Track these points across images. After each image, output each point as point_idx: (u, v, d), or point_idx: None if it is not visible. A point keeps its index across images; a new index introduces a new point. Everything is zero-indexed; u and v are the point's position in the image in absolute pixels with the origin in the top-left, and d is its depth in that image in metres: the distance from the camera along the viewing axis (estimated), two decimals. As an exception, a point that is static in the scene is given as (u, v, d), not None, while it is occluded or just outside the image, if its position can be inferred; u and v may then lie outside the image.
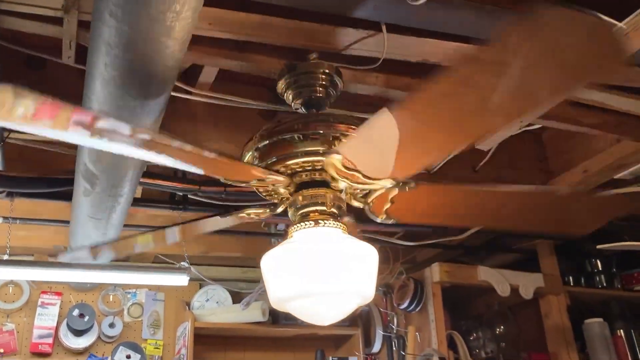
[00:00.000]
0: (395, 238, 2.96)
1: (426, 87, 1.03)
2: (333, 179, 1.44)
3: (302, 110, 1.69)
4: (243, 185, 1.49)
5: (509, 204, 1.66)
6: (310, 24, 1.59)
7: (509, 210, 1.68)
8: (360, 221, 1.82)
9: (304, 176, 1.53)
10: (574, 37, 0.92)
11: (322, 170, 1.46)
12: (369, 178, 1.36)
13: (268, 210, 1.63)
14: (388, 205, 1.53)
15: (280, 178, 1.47)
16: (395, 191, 1.47)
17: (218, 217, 1.72)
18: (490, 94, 1.02)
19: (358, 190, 1.56)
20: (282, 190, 1.56)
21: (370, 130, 1.21)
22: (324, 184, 1.48)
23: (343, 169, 1.34)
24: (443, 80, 1.02)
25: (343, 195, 1.54)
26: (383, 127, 1.17)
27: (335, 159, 1.32)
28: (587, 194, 2.10)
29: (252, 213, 1.64)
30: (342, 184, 1.46)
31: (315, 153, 1.48)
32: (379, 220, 1.59)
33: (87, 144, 1.22)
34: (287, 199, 1.58)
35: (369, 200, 1.54)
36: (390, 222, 1.56)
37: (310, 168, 1.51)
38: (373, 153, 1.28)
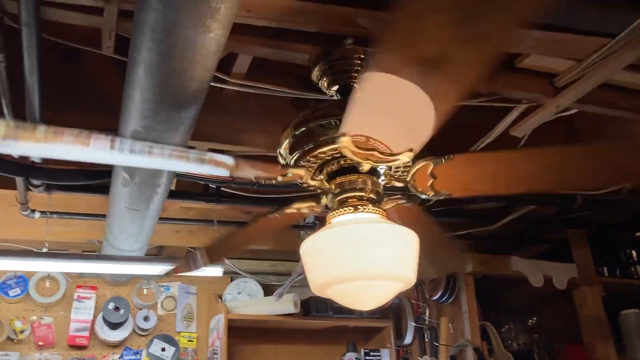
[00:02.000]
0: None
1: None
2: (359, 162, 1.42)
3: (337, 97, 1.69)
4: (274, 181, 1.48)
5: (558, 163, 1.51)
6: (346, 9, 1.58)
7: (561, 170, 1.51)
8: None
9: (337, 163, 1.53)
10: None
11: None
12: (389, 154, 1.31)
13: (315, 203, 1.63)
14: (431, 181, 1.49)
15: (302, 172, 1.48)
16: (431, 165, 1.43)
17: (275, 215, 1.71)
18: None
19: (392, 170, 1.53)
20: (317, 179, 1.56)
21: (365, 98, 1.11)
22: (353, 169, 1.48)
23: (358, 150, 1.30)
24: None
25: (381, 179, 1.54)
26: (375, 88, 1.07)
27: (344, 141, 1.27)
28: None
29: (298, 207, 1.64)
30: (364, 166, 1.45)
31: (354, 137, 1.48)
32: (427, 196, 1.53)
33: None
34: (324, 185, 1.58)
35: (409, 178, 1.51)
36: (442, 197, 1.50)
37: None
38: (381, 122, 1.21)
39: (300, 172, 1.48)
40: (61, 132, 1.00)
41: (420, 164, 1.43)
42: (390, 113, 1.16)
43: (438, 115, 1.12)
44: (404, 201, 1.65)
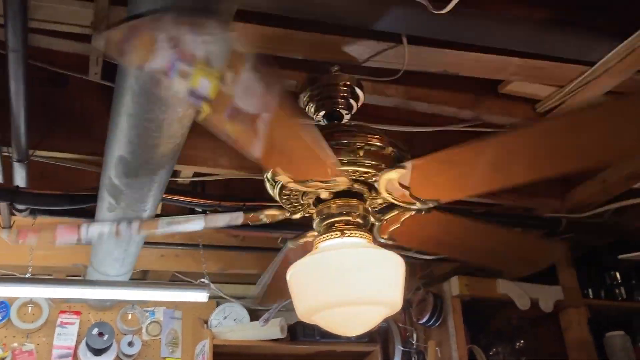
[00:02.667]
0: (412, 251, 2.95)
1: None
2: (369, 190, 1.47)
3: (324, 122, 1.71)
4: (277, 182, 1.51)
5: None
6: (332, 37, 1.61)
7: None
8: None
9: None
10: None
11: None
12: (415, 197, 1.43)
13: (287, 214, 1.64)
14: (396, 226, 1.56)
15: (276, 212, 1.59)
16: (409, 214, 1.51)
17: (241, 213, 1.73)
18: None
19: (377, 206, 1.58)
20: (307, 198, 1.57)
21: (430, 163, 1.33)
22: (352, 194, 1.50)
23: (397, 184, 1.40)
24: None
25: (368, 207, 1.55)
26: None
27: (397, 172, 1.39)
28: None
29: (270, 214, 1.65)
30: (378, 199, 1.50)
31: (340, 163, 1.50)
32: (380, 239, 1.64)
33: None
34: (308, 206, 1.60)
35: (385, 217, 1.57)
36: (430, 205, 1.54)
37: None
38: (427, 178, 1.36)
39: (274, 212, 1.59)
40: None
41: (384, 178, 1.45)
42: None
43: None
44: (414, 212, 1.61)
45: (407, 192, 1.43)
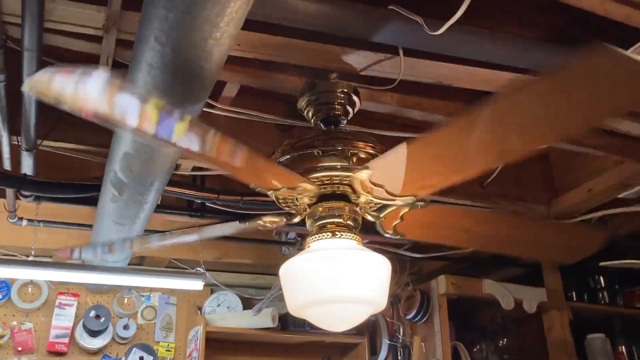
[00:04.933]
0: (402, 250, 3.04)
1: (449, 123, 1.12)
2: (353, 192, 1.54)
3: (321, 126, 1.79)
4: (269, 192, 1.56)
5: (506, 231, 1.79)
6: (331, 46, 1.69)
7: (504, 237, 1.81)
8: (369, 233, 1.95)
9: (322, 189, 1.62)
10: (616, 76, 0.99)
11: (341, 184, 1.56)
12: (391, 194, 1.47)
13: (284, 219, 1.72)
14: (397, 222, 1.63)
15: (310, 186, 1.54)
16: (407, 209, 1.58)
17: (237, 222, 1.81)
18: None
19: (373, 205, 1.66)
20: (301, 201, 1.65)
21: (394, 155, 1.34)
22: (344, 197, 1.58)
23: (369, 184, 1.45)
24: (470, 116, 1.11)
25: (359, 209, 1.64)
26: (403, 154, 1.29)
27: (365, 173, 1.44)
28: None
29: (269, 221, 1.73)
30: (362, 198, 1.56)
31: (334, 168, 1.58)
32: (387, 235, 1.70)
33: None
34: (305, 209, 1.67)
35: (382, 215, 1.64)
36: (397, 237, 1.67)
37: (328, 182, 1.60)
38: (396, 173, 1.39)
39: (309, 186, 1.54)
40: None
41: (399, 205, 1.54)
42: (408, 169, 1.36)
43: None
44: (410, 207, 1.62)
45: (396, 222, 1.53)
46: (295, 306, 1.53)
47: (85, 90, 0.98)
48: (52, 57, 1.66)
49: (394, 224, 1.67)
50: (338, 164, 1.58)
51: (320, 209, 1.61)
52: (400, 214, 1.62)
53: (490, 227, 1.81)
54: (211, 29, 1.09)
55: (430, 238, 1.97)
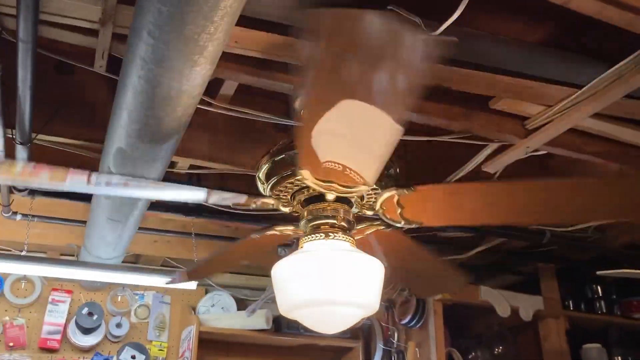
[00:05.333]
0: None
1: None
2: (361, 200, 1.53)
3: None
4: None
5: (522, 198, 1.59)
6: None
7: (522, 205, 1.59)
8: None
9: (307, 192, 1.60)
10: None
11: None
12: (347, 186, 1.41)
13: (293, 227, 1.71)
14: (400, 210, 1.58)
15: (270, 201, 1.59)
16: (396, 195, 1.52)
17: (255, 235, 1.79)
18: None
19: (364, 199, 1.63)
20: (291, 205, 1.64)
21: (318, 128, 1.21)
22: (346, 201, 1.56)
23: (319, 182, 1.40)
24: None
25: (352, 208, 1.62)
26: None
27: (305, 174, 1.37)
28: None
29: (285, 230, 1.72)
30: (331, 196, 1.54)
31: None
32: (400, 225, 1.62)
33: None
34: (298, 211, 1.66)
35: (377, 207, 1.61)
36: (413, 226, 1.58)
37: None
38: (337, 154, 1.29)
39: (269, 201, 1.57)
40: (38, 170, 1.06)
41: (386, 195, 1.52)
42: (344, 143, 1.23)
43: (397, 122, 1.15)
44: (383, 227, 1.71)
45: (398, 210, 1.51)
46: (286, 307, 1.51)
47: None
48: (47, 49, 1.64)
49: (397, 212, 1.61)
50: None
51: (313, 210, 1.59)
52: (395, 202, 1.56)
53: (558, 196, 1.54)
54: (205, 23, 1.07)
55: (441, 221, 1.88)
